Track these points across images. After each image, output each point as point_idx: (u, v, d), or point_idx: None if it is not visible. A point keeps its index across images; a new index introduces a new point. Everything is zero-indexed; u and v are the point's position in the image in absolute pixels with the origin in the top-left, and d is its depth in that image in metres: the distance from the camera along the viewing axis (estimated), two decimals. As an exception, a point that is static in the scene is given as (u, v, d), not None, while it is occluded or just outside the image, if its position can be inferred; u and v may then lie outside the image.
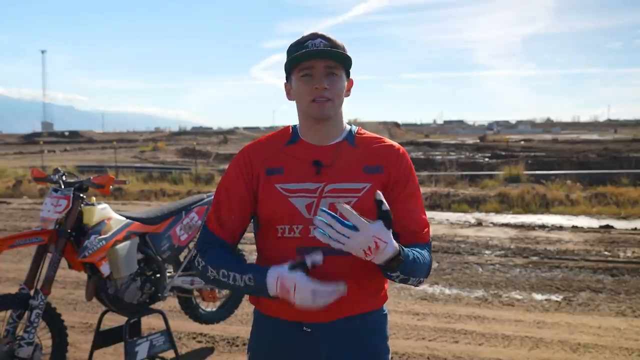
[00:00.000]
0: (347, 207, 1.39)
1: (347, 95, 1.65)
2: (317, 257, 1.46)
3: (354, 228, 1.38)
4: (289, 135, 1.67)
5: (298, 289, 1.44)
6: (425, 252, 1.60)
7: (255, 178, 1.62)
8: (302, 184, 1.58)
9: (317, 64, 1.54)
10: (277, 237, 1.60)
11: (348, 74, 1.62)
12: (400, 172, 1.63)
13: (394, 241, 1.44)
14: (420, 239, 1.64)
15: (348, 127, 1.67)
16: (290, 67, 1.59)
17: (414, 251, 1.54)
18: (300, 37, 1.60)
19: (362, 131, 1.69)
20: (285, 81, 1.65)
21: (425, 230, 1.66)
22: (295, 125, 1.69)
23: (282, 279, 1.46)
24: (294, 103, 1.64)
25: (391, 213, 1.42)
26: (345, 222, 1.38)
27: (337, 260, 1.53)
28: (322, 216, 1.39)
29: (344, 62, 1.57)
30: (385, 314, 1.72)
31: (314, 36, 1.57)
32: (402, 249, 1.48)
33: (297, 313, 1.57)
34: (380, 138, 1.69)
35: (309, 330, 1.60)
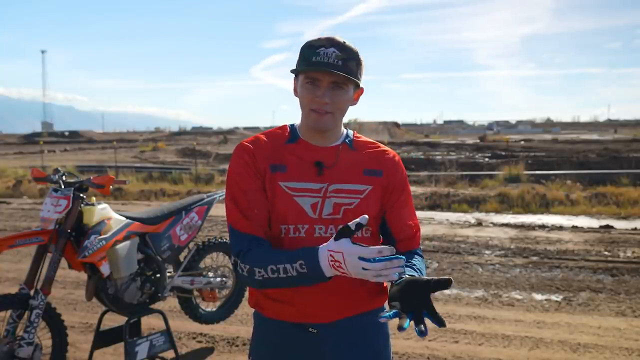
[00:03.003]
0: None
1: (354, 104, 1.63)
2: (363, 220, 1.38)
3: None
4: (287, 134, 1.66)
5: (346, 256, 1.36)
6: (418, 261, 1.63)
7: (262, 172, 1.59)
8: (306, 184, 1.57)
9: (323, 77, 1.52)
10: (280, 237, 1.58)
11: (358, 84, 1.59)
12: (397, 179, 1.67)
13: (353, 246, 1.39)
14: (415, 244, 1.70)
15: (345, 130, 1.69)
16: (298, 69, 1.57)
17: (415, 260, 1.60)
18: (317, 38, 1.56)
19: (358, 135, 1.71)
20: (294, 76, 1.62)
21: (418, 234, 1.71)
22: (292, 125, 1.68)
23: (331, 253, 1.39)
24: (296, 101, 1.63)
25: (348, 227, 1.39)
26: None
27: None
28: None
29: (351, 80, 1.54)
30: None
31: (329, 43, 1.52)
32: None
33: (299, 314, 1.59)
34: (376, 143, 1.72)
35: (315, 331, 1.60)
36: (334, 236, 1.41)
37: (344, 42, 1.54)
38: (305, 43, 1.57)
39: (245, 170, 1.59)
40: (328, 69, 1.49)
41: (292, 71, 1.59)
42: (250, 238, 1.55)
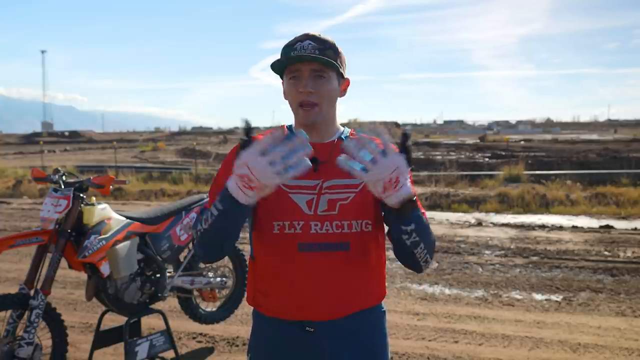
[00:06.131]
0: (383, 130, 1.35)
1: (342, 95, 1.66)
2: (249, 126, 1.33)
3: (382, 154, 1.35)
4: (284, 133, 1.68)
5: (249, 163, 1.34)
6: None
7: None
8: (300, 181, 1.57)
9: (303, 67, 1.56)
10: (273, 234, 1.59)
11: (342, 74, 1.62)
12: None
13: (409, 184, 1.42)
14: None
15: (342, 128, 1.70)
16: (281, 69, 1.61)
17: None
18: (293, 37, 1.62)
19: (355, 132, 1.71)
20: (281, 80, 1.66)
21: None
22: (290, 125, 1.70)
23: (237, 173, 1.37)
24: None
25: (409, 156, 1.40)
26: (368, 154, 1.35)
27: (336, 255, 1.56)
28: (349, 145, 1.37)
29: (330, 66, 1.57)
30: (384, 311, 1.73)
31: (304, 38, 1.59)
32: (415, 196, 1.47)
33: (298, 312, 1.59)
34: (373, 138, 1.70)
35: (312, 329, 1.60)
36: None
37: (319, 35, 1.60)
38: (284, 46, 1.62)
39: (228, 167, 1.60)
40: (306, 57, 1.53)
41: (273, 68, 1.61)
42: None
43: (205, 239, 1.51)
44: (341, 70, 1.61)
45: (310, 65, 1.56)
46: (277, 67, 1.60)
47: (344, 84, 1.65)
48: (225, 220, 1.45)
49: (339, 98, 1.65)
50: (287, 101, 1.65)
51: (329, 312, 1.59)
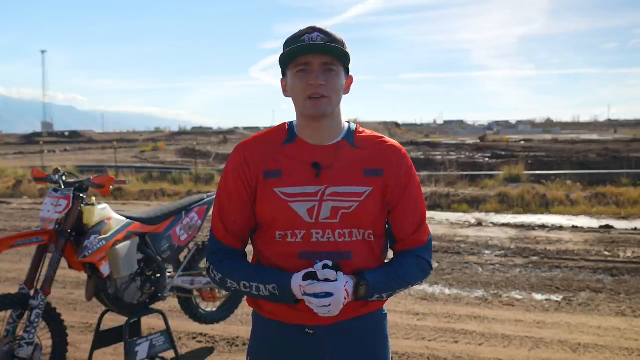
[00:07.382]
0: (315, 284, 1.45)
1: (347, 92, 1.60)
2: (329, 274, 1.47)
3: (329, 295, 1.44)
4: (285, 134, 1.61)
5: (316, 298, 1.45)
6: (412, 260, 1.61)
7: (254, 179, 1.57)
8: (302, 188, 1.53)
9: (313, 60, 1.49)
10: (275, 242, 1.57)
11: (347, 70, 1.57)
12: (401, 176, 1.59)
13: (346, 277, 1.49)
14: (416, 242, 1.63)
15: (346, 125, 1.63)
16: (286, 62, 1.54)
17: (385, 268, 1.59)
18: (298, 30, 1.54)
19: (361, 129, 1.64)
20: (281, 77, 1.60)
21: (422, 231, 1.64)
22: (291, 123, 1.64)
23: (302, 287, 1.47)
24: (292, 102, 1.58)
25: (339, 265, 1.50)
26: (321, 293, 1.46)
27: (339, 263, 1.54)
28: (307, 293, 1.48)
29: (342, 58, 1.52)
30: (385, 314, 1.71)
31: (312, 30, 1.52)
32: (362, 277, 1.52)
33: (298, 315, 1.57)
34: (380, 137, 1.64)
35: (312, 332, 1.58)
36: (303, 274, 1.48)
37: (326, 28, 1.54)
38: (287, 39, 1.56)
39: (234, 175, 1.60)
40: (322, 46, 1.48)
41: (281, 60, 1.55)
42: (226, 250, 1.61)
43: (230, 290, 1.63)
44: (348, 65, 1.56)
45: (320, 58, 1.49)
46: (286, 58, 1.52)
47: (348, 80, 1.59)
48: (275, 299, 1.55)
49: (343, 95, 1.59)
50: (288, 98, 1.58)
51: (329, 317, 1.55)
